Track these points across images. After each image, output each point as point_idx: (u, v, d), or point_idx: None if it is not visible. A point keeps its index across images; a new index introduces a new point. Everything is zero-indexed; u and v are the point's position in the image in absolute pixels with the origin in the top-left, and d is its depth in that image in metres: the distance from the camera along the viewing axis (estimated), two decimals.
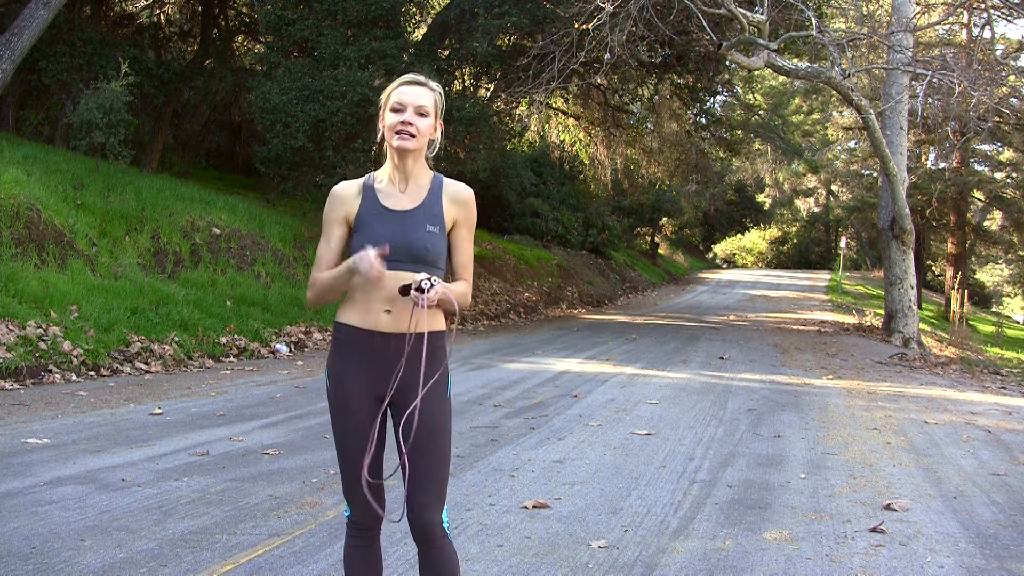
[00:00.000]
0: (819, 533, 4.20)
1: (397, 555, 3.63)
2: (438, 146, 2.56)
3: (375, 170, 2.61)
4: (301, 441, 5.66)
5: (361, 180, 2.56)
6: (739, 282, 33.00)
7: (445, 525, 2.46)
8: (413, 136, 2.45)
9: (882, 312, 18.23)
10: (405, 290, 2.35)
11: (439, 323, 2.50)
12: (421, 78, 2.52)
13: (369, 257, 2.30)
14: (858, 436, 6.66)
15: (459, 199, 2.53)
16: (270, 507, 4.25)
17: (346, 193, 2.53)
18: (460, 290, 2.48)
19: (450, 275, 2.55)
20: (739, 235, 50.02)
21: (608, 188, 29.42)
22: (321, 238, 2.57)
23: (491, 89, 17.54)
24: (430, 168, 2.57)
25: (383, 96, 2.52)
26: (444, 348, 2.51)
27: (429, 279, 2.34)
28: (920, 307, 20.78)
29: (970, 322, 25.61)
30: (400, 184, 2.51)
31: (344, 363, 2.47)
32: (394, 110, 2.47)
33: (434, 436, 2.45)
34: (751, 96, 31.73)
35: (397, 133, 2.45)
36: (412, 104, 2.45)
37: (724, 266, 47.59)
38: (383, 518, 2.53)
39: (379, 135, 2.54)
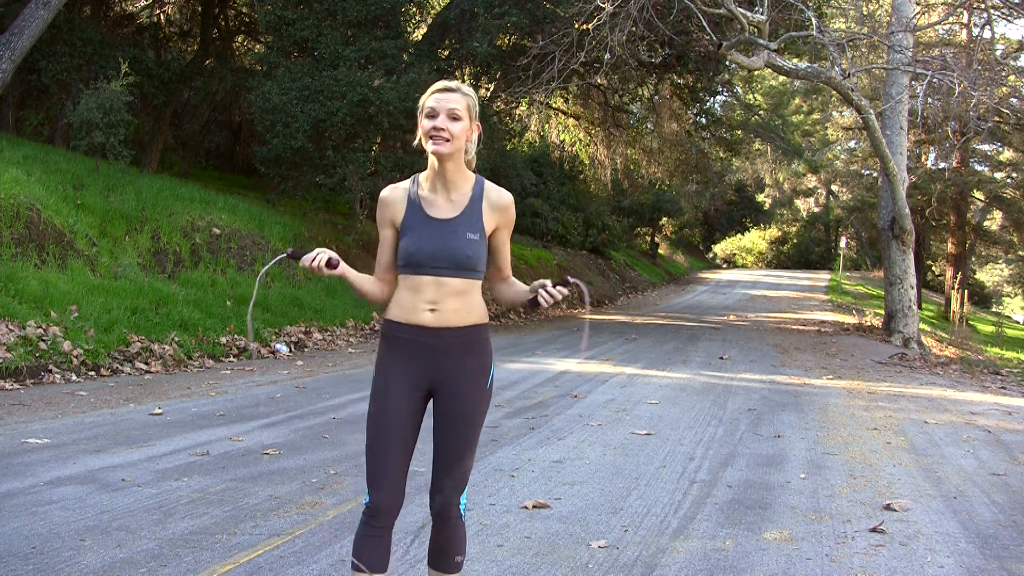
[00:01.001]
0: (819, 533, 4.20)
1: (397, 555, 3.63)
2: (475, 149, 2.66)
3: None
4: (301, 441, 5.66)
5: (407, 184, 2.69)
6: (739, 282, 33.00)
7: (462, 507, 2.65)
8: (447, 140, 2.55)
9: (882, 312, 18.23)
10: (565, 282, 2.61)
11: (481, 317, 2.66)
12: (453, 84, 2.62)
13: (315, 261, 2.53)
14: (858, 436, 6.66)
15: (500, 205, 2.66)
16: (270, 507, 4.25)
17: (392, 198, 2.67)
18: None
19: (494, 271, 2.75)
20: (739, 235, 50.01)
21: (608, 188, 29.43)
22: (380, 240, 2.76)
23: (491, 89, 17.54)
24: (472, 171, 2.68)
25: (419, 104, 2.64)
26: (487, 341, 2.68)
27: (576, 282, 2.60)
28: (920, 307, 20.78)
29: (970, 322, 25.61)
30: (442, 191, 2.63)
31: (389, 354, 2.62)
32: (428, 116, 2.58)
33: (468, 425, 2.61)
34: (751, 96, 31.75)
35: (431, 138, 2.56)
36: (444, 109, 2.56)
37: (724, 266, 47.57)
38: (400, 508, 2.62)
39: (417, 141, 2.65)
